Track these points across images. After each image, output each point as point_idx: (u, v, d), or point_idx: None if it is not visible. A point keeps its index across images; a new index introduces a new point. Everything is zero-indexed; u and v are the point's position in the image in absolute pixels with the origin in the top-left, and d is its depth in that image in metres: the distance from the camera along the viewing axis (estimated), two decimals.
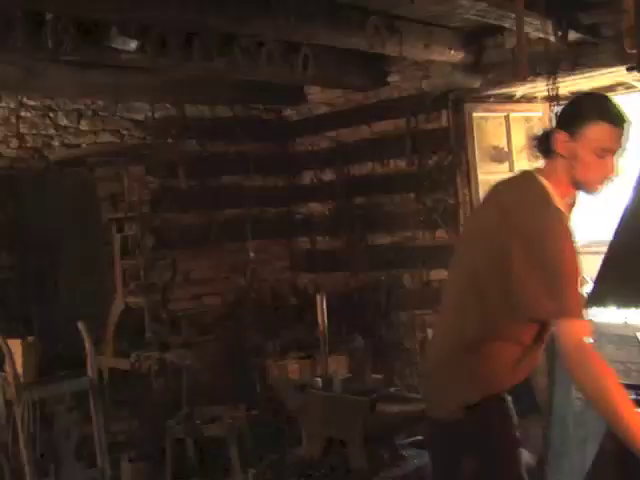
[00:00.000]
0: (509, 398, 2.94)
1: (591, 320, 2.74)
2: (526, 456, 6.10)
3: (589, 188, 2.82)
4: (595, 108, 2.77)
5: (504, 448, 2.86)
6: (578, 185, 2.82)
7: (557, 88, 6.08)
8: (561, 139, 2.78)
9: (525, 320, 2.73)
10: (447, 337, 2.97)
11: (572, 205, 2.94)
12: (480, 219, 3.03)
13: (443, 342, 3.01)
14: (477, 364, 2.79)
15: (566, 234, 2.65)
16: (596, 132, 2.71)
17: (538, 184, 2.80)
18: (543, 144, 2.89)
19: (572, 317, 2.57)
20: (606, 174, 2.77)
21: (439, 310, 3.18)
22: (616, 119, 2.74)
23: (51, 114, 6.46)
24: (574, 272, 2.61)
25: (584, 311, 2.63)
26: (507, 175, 7.06)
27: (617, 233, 3.81)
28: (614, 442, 2.67)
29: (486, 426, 2.82)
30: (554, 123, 2.94)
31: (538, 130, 3.05)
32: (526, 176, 2.93)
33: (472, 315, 2.82)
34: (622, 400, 2.50)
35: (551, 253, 2.60)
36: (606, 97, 2.93)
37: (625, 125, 2.76)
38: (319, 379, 4.66)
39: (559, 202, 2.76)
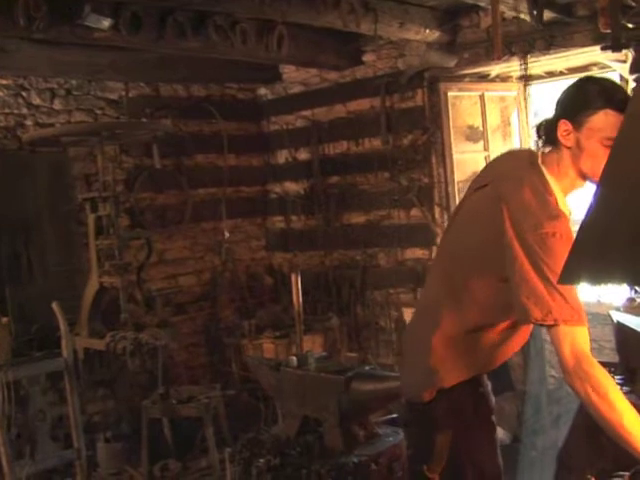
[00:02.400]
0: (487, 382, 2.92)
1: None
2: (500, 434, 6.18)
3: (597, 180, 2.52)
4: (601, 94, 2.51)
5: (478, 431, 2.84)
6: (585, 176, 2.61)
7: (531, 68, 6.12)
8: (564, 129, 2.57)
9: (510, 315, 2.62)
10: (423, 321, 2.90)
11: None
12: (474, 203, 2.80)
13: (419, 325, 2.95)
14: (453, 351, 2.73)
15: (567, 236, 2.41)
16: (602, 121, 2.49)
17: (541, 176, 2.60)
18: (548, 133, 2.65)
19: (574, 324, 2.39)
20: None
21: (421, 293, 3.12)
22: (623, 105, 2.40)
23: (24, 93, 6.39)
24: None
25: (585, 318, 2.42)
26: (482, 155, 7.05)
27: (590, 209, 3.83)
28: (587, 419, 2.69)
29: (458, 409, 2.78)
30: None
31: (541, 117, 2.78)
32: (529, 164, 2.66)
33: (450, 300, 2.74)
34: (628, 414, 2.31)
35: (553, 258, 2.38)
36: (610, 80, 2.71)
37: None
38: (294, 358, 4.66)
39: (561, 198, 2.57)
